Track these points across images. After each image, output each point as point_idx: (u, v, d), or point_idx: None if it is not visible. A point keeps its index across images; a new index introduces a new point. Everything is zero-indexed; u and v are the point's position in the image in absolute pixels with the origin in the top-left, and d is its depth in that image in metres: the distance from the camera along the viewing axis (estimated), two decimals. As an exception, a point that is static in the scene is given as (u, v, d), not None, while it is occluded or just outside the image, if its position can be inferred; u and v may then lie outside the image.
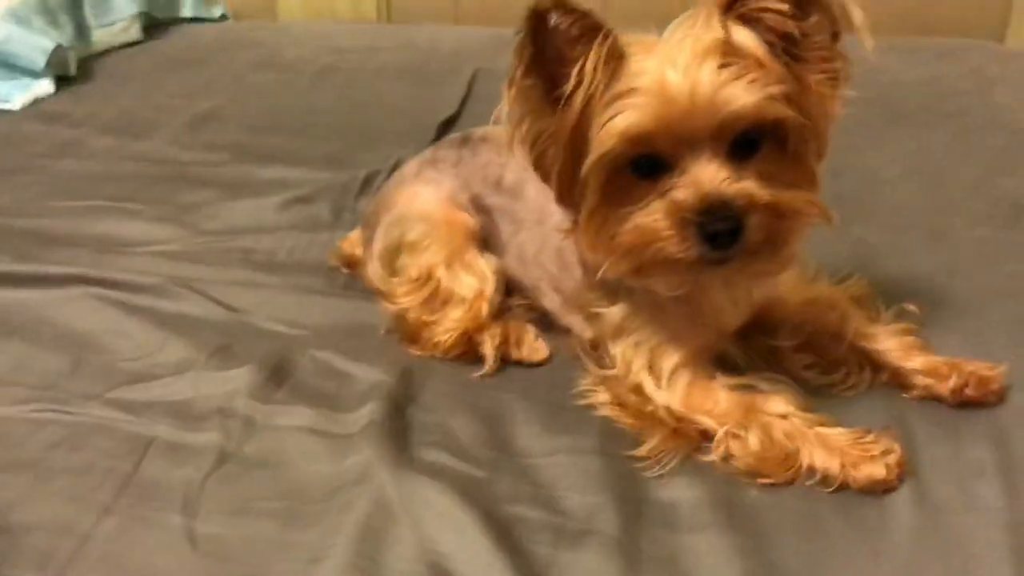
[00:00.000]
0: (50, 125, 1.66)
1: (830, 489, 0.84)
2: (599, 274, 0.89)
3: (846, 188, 1.37)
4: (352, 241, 1.22)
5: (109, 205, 1.38)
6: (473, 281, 1.05)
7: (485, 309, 1.04)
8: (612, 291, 0.96)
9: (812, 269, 1.04)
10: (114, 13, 2.08)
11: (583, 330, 1.03)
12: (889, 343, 0.98)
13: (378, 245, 1.12)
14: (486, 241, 1.08)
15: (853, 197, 1.35)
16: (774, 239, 0.82)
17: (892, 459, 0.84)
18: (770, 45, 0.80)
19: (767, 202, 0.80)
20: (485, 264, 1.06)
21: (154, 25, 2.21)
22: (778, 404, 0.89)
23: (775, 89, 0.79)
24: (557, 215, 0.95)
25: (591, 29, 0.80)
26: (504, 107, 0.85)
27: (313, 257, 1.26)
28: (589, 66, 0.80)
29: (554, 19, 0.80)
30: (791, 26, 0.80)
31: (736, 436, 0.87)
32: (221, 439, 0.91)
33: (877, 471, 0.83)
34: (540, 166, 0.87)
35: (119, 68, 1.94)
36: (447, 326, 1.03)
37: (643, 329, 0.94)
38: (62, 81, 1.84)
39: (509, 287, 1.09)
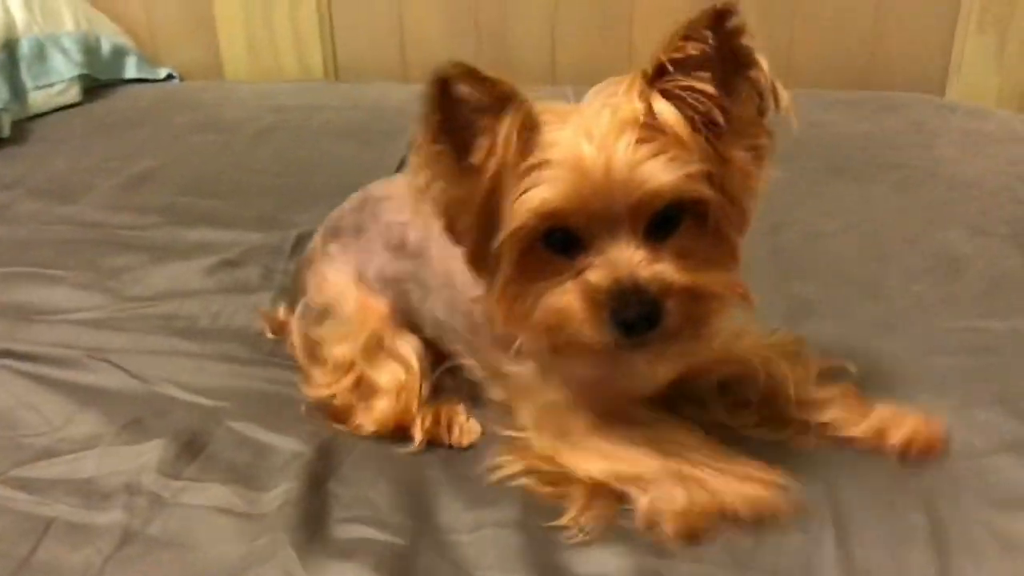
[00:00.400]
0: (-22, 189, 1.62)
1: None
2: (515, 347, 0.88)
3: (785, 242, 1.37)
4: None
5: (31, 271, 1.33)
6: (397, 369, 1.00)
7: (414, 400, 0.99)
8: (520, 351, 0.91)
9: (741, 323, 0.99)
10: (52, 75, 2.05)
11: (493, 392, 0.99)
12: (832, 413, 0.96)
13: (295, 330, 1.09)
14: (403, 315, 1.04)
15: (792, 251, 1.34)
16: (693, 322, 0.79)
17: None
18: (692, 121, 0.77)
19: (684, 286, 0.77)
20: (408, 348, 1.02)
21: (96, 87, 2.18)
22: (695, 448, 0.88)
23: (695, 167, 0.76)
24: (462, 276, 0.91)
25: (501, 98, 0.76)
26: (411, 172, 0.81)
27: (238, 322, 1.22)
28: (500, 137, 0.76)
29: (460, 89, 0.76)
30: (715, 107, 0.76)
31: (658, 498, 0.85)
32: (125, 518, 0.86)
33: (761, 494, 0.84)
34: (452, 231, 0.84)
35: (54, 130, 1.90)
36: (375, 416, 0.98)
37: (553, 390, 0.92)
38: (-6, 143, 1.80)
39: (435, 355, 1.05)
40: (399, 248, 1.03)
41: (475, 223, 0.81)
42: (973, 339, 1.12)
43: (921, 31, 2.15)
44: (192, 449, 0.95)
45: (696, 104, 0.76)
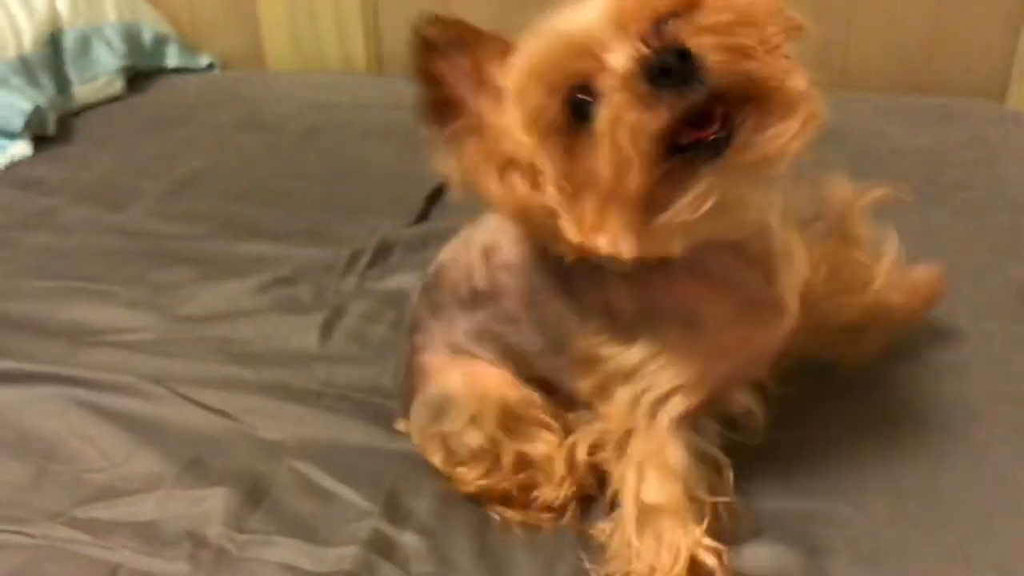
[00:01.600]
0: (24, 192, 1.61)
1: None
2: (600, 251, 0.71)
3: None
4: None
5: (82, 286, 1.32)
6: (546, 435, 0.90)
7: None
8: (628, 327, 0.80)
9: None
10: (96, 68, 2.03)
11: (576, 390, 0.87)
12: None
13: (414, 433, 0.99)
14: (514, 364, 0.92)
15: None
16: (753, 71, 0.66)
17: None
18: None
19: (712, 19, 0.66)
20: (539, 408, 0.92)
21: (138, 76, 2.16)
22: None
23: None
24: (540, 277, 0.86)
25: (476, 42, 0.75)
26: (440, 154, 0.77)
27: (293, 345, 1.21)
28: (489, 77, 0.74)
29: (433, 33, 0.74)
30: None
31: None
32: (190, 570, 0.86)
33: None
34: (500, 202, 0.76)
35: (99, 128, 1.89)
36: (555, 485, 0.89)
37: (661, 372, 0.80)
38: (40, 141, 1.78)
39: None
40: (473, 300, 0.94)
41: (522, 181, 0.73)
42: (1048, 387, 1.09)
43: (982, 34, 2.08)
44: (255, 495, 0.94)
45: None
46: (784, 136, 0.69)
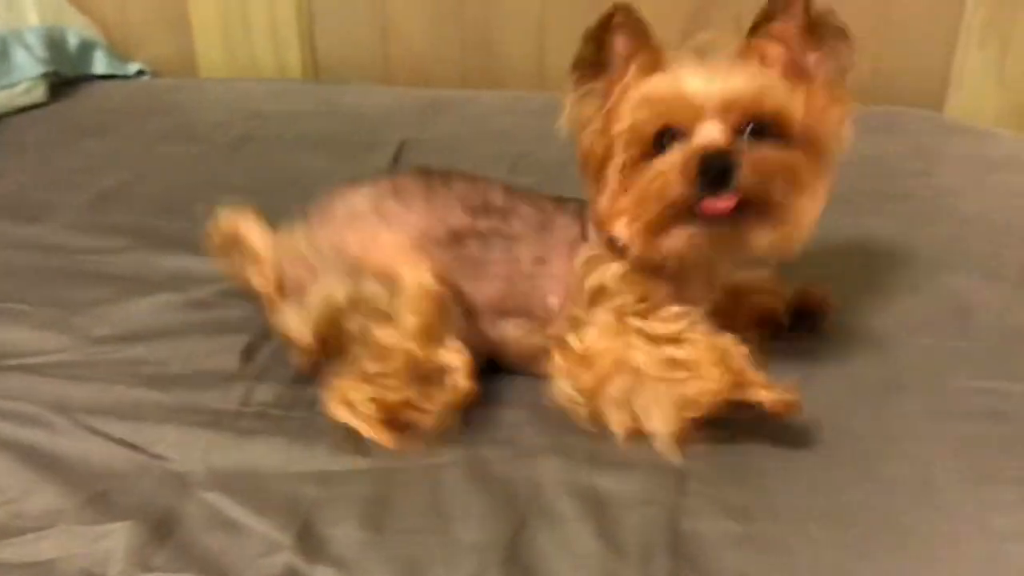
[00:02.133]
0: (-64, 204, 1.53)
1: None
2: (619, 242, 0.99)
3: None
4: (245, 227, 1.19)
5: (-8, 305, 1.25)
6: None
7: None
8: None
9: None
10: (16, 73, 1.95)
11: (577, 289, 1.05)
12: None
13: (317, 297, 1.06)
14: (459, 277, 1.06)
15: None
16: (769, 196, 0.93)
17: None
18: (783, 63, 0.97)
19: (761, 154, 0.92)
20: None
21: (63, 83, 2.08)
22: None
23: (777, 86, 0.94)
24: (559, 220, 1.08)
25: (644, 38, 0.97)
26: (566, 95, 1.00)
27: (212, 365, 1.15)
28: (634, 67, 0.97)
29: (619, 19, 0.96)
30: (802, 53, 0.97)
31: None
32: (88, 613, 0.80)
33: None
34: (583, 154, 1.01)
35: (17, 136, 1.81)
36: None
37: (625, 292, 1.02)
38: (-46, 151, 1.70)
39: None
40: (481, 209, 1.08)
41: (603, 146, 0.98)
42: (986, 403, 1.07)
43: (920, 44, 2.09)
44: (162, 531, 0.88)
45: (784, 51, 0.97)
46: (760, 241, 0.97)
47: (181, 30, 2.30)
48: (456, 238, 1.06)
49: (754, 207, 0.93)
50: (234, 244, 1.19)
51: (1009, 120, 2.06)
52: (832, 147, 0.99)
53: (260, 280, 1.15)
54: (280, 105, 2.00)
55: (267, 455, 1.00)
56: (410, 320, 1.00)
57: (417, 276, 1.02)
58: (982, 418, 1.04)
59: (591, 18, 0.97)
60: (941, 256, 1.38)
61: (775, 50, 0.97)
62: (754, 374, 0.96)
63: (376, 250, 1.05)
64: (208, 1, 2.26)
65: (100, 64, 2.21)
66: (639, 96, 0.95)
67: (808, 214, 0.97)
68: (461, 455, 0.99)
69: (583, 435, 1.01)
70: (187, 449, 1.00)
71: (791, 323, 1.16)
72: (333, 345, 1.06)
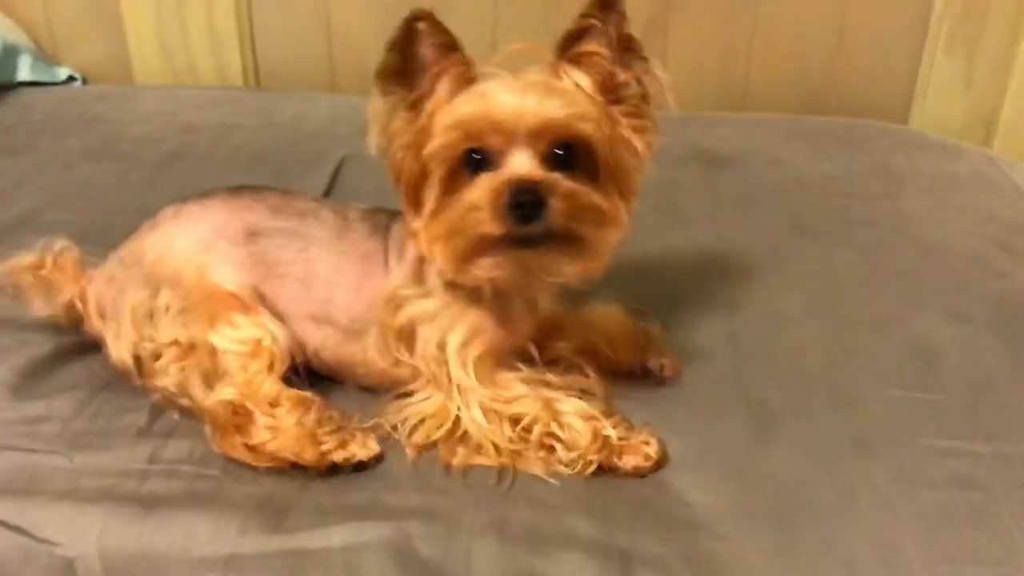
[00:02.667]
0: None
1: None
2: (436, 269, 1.01)
3: (742, 328, 1.23)
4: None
5: None
6: (253, 331, 1.03)
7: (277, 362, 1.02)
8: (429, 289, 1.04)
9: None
10: (-72, 83, 1.82)
11: (385, 326, 1.05)
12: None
13: (123, 312, 1.06)
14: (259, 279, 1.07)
15: (750, 340, 1.21)
16: (575, 230, 0.94)
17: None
18: (593, 84, 0.96)
19: (570, 188, 0.93)
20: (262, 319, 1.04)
21: (-16, 92, 1.96)
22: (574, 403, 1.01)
23: (586, 113, 0.94)
24: (359, 229, 1.08)
25: (451, 49, 0.95)
26: (373, 106, 0.98)
27: (121, 423, 1.05)
28: (442, 83, 0.94)
29: (422, 27, 0.93)
30: (609, 74, 0.97)
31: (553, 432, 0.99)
32: None
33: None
34: (394, 169, 0.98)
35: (-73, 154, 1.68)
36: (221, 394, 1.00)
37: (455, 319, 1.02)
38: None
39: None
40: (280, 210, 1.10)
41: (413, 158, 0.95)
42: (958, 466, 0.99)
43: (885, 53, 2.01)
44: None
45: (595, 68, 0.96)
46: (565, 270, 0.99)
47: (114, 33, 2.17)
48: (250, 234, 1.07)
49: (559, 238, 0.94)
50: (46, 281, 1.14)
51: (976, 131, 2.00)
52: (636, 177, 0.99)
53: (89, 317, 1.12)
54: (215, 116, 1.88)
55: (169, 534, 0.90)
56: (240, 378, 1.01)
57: (196, 271, 1.04)
58: (951, 485, 0.97)
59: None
60: (906, 291, 1.31)
61: (587, 69, 0.96)
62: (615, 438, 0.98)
63: (170, 253, 1.07)
64: (142, 1, 2.13)
65: (25, 70, 2.07)
66: (448, 118, 0.93)
67: (610, 245, 0.98)
68: (383, 532, 0.90)
69: (522, 505, 0.93)
70: (80, 530, 0.90)
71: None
72: (149, 363, 1.05)
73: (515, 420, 0.99)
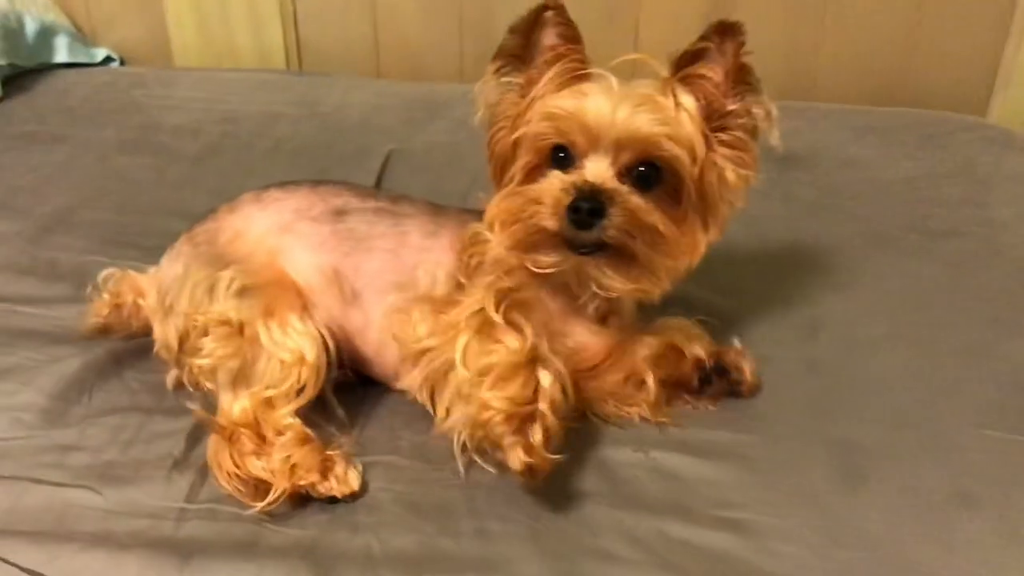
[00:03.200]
0: None
1: None
2: (494, 246, 0.98)
3: (823, 353, 1.14)
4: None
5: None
6: (302, 341, 0.99)
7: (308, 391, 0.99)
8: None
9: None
10: (-35, 68, 1.76)
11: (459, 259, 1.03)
12: None
13: (182, 292, 1.02)
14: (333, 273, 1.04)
15: (831, 368, 1.11)
16: (630, 247, 0.93)
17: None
18: (698, 107, 0.94)
19: (633, 205, 0.92)
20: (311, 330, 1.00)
21: (19, 76, 1.89)
22: None
23: (681, 134, 0.92)
24: (454, 210, 1.09)
25: (572, 41, 0.95)
26: (484, 83, 0.98)
27: (155, 453, 0.99)
28: (552, 71, 0.95)
29: (549, 15, 0.95)
30: (716, 99, 0.94)
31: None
32: None
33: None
34: (490, 146, 1.00)
35: (-41, 144, 1.62)
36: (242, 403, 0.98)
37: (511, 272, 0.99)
38: None
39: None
40: (369, 195, 1.11)
41: (507, 144, 0.97)
42: (1067, 524, 0.90)
43: (964, 39, 1.87)
44: None
45: (704, 92, 0.94)
46: (614, 285, 0.97)
47: (153, 13, 2.10)
48: (338, 214, 1.07)
49: (612, 251, 0.93)
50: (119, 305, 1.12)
51: (1062, 126, 1.87)
52: (723, 209, 0.97)
53: (146, 307, 1.10)
54: (256, 104, 1.80)
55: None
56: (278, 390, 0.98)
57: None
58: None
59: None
60: (1000, 313, 1.20)
61: (695, 91, 0.94)
62: (538, 417, 0.89)
63: (246, 235, 1.05)
64: (182, -21, 2.05)
65: (63, 51, 2.01)
66: (546, 108, 0.94)
67: (669, 270, 0.97)
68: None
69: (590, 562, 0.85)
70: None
71: (699, 385, 1.06)
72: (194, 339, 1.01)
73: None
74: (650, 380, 1.03)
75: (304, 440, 0.96)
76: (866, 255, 1.32)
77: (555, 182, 0.93)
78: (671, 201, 0.94)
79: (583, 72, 0.94)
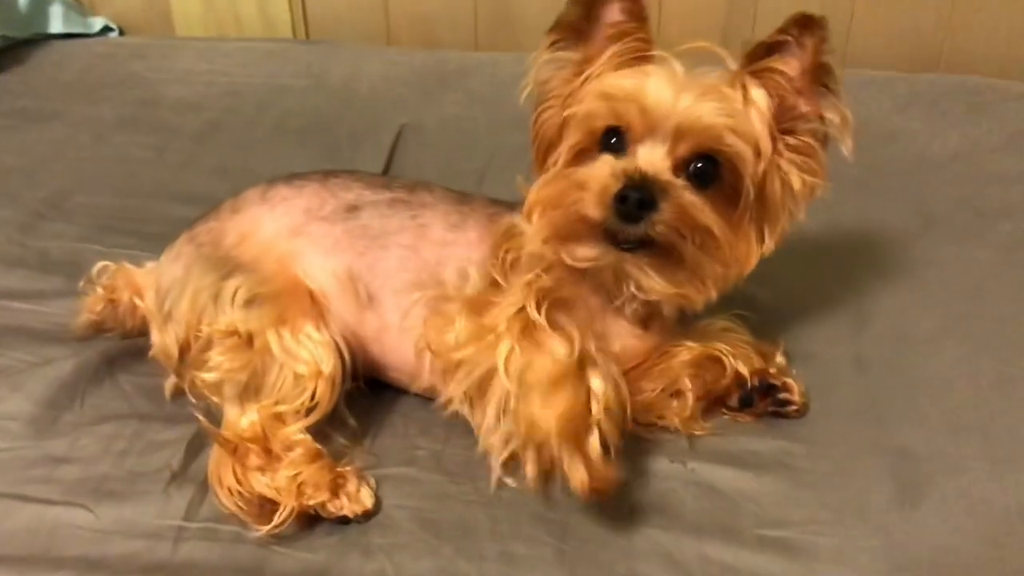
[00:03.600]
0: None
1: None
2: (531, 239, 0.90)
3: (871, 349, 1.06)
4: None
5: None
6: (318, 352, 0.91)
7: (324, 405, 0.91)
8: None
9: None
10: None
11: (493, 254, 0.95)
12: None
13: (183, 296, 0.94)
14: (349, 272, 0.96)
15: (880, 366, 1.04)
16: (677, 247, 0.85)
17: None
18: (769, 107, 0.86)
19: (687, 201, 0.83)
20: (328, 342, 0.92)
21: (12, 48, 1.80)
22: None
23: (746, 130, 0.84)
24: (481, 199, 1.02)
25: (638, 19, 0.88)
26: (537, 56, 0.91)
27: (152, 464, 0.92)
28: (615, 49, 0.87)
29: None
30: (789, 97, 0.87)
31: None
32: None
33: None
34: (535, 125, 0.92)
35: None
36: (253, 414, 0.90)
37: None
38: None
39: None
40: (385, 184, 1.03)
41: (555, 124, 0.90)
42: None
43: (1010, 1, 1.76)
44: None
45: (777, 88, 0.86)
46: (654, 287, 0.88)
47: (152, -22, 2.01)
48: (350, 209, 0.99)
49: (658, 249, 0.85)
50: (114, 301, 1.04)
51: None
52: (783, 217, 0.89)
53: (143, 307, 1.02)
54: (261, 76, 1.71)
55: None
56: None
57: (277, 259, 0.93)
58: None
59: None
60: (1061, 302, 1.11)
61: (767, 87, 0.86)
62: (593, 425, 0.81)
63: (253, 237, 0.97)
64: (183, -55, 1.95)
65: (58, 21, 1.91)
66: (603, 87, 0.87)
67: (717, 278, 0.88)
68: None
69: None
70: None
71: (740, 401, 0.96)
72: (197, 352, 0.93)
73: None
74: (688, 393, 0.95)
75: (314, 457, 0.89)
76: (914, 239, 1.23)
77: (604, 166, 0.85)
78: (728, 203, 0.86)
79: (646, 54, 0.87)
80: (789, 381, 0.96)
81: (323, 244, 0.97)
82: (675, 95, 0.83)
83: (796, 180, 0.87)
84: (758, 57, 0.86)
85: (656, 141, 0.84)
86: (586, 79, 0.88)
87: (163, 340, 0.97)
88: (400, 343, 0.95)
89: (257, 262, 0.95)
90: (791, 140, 0.87)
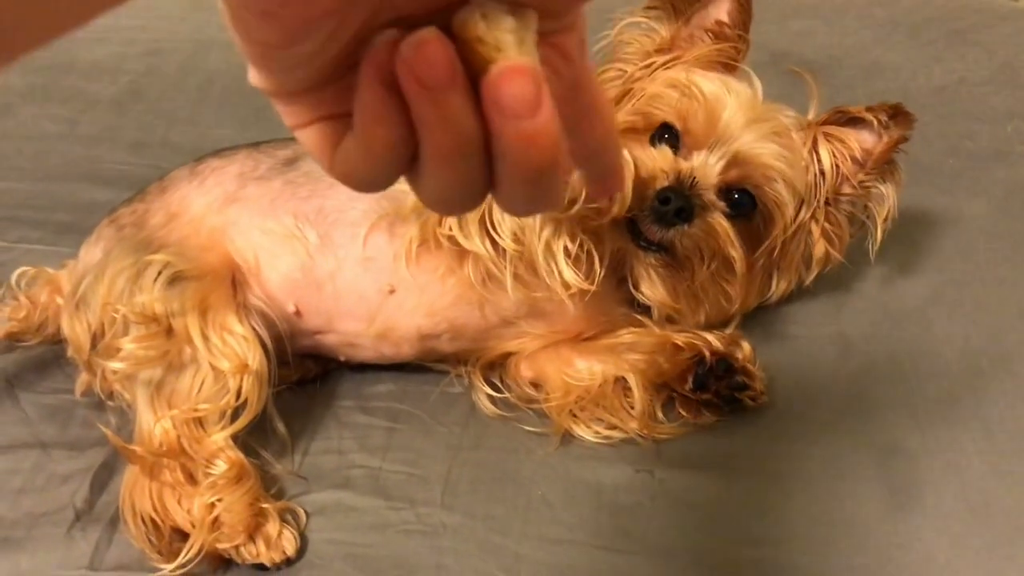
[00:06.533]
0: None
1: None
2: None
3: (854, 326, 0.98)
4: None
5: None
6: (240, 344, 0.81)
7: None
8: None
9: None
10: None
11: None
12: None
13: (99, 280, 0.84)
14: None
15: (867, 346, 0.96)
16: (692, 265, 0.83)
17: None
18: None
19: (720, 225, 0.82)
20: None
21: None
22: None
23: (797, 182, 0.84)
24: None
25: (743, 25, 0.87)
26: (625, 22, 0.89)
27: (53, 504, 0.82)
28: (704, 44, 0.87)
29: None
30: (843, 170, 0.88)
31: None
32: None
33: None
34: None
35: None
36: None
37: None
38: None
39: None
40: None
41: (616, 91, 0.87)
42: None
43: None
44: None
45: (840, 157, 0.87)
46: (653, 292, 0.86)
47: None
48: (288, 163, 0.92)
49: (672, 259, 0.83)
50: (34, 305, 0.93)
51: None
52: (789, 276, 0.90)
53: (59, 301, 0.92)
54: (186, 30, 1.55)
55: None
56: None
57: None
58: None
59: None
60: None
61: (833, 153, 0.87)
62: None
63: (182, 217, 0.89)
64: None
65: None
66: (680, 77, 0.84)
67: (710, 312, 0.88)
68: None
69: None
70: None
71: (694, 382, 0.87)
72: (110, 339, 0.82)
73: None
74: (633, 382, 0.86)
75: (239, 475, 0.79)
76: (906, 188, 1.11)
77: (662, 157, 0.82)
78: (750, 242, 0.85)
79: (734, 63, 0.86)
80: (751, 367, 0.86)
81: (260, 204, 0.90)
82: (747, 121, 0.82)
83: (820, 248, 0.88)
84: (836, 121, 0.87)
85: (713, 156, 0.82)
86: (669, 60, 0.86)
87: (73, 329, 0.87)
88: (358, 278, 0.88)
89: (185, 240, 0.87)
90: (830, 210, 0.87)
